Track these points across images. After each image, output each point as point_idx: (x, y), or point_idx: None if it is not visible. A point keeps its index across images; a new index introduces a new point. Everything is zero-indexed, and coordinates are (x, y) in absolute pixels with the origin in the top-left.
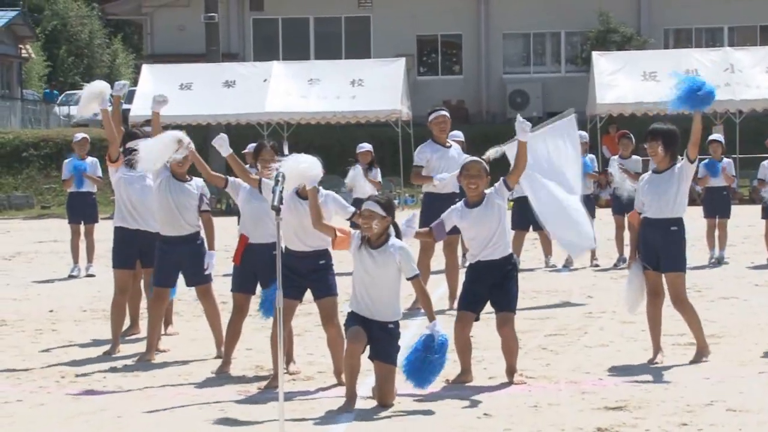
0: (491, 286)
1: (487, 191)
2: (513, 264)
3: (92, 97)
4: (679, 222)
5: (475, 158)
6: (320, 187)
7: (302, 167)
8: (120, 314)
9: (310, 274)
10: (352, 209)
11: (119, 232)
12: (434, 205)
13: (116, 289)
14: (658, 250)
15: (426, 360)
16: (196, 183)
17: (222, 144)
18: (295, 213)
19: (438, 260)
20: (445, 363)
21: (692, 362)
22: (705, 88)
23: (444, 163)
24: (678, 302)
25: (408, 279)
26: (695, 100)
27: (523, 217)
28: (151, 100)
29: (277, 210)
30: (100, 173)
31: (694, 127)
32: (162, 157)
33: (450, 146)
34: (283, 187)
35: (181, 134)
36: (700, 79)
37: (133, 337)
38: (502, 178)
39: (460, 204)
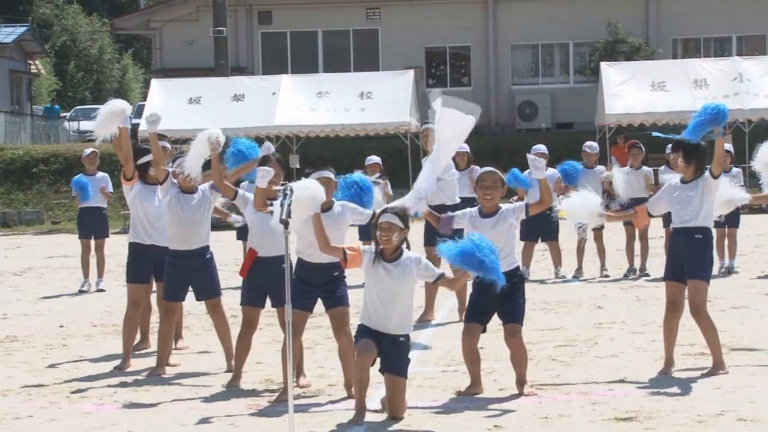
0: (498, 297)
1: (503, 206)
2: (519, 276)
3: (113, 117)
4: (704, 231)
5: (490, 169)
6: (334, 199)
7: (307, 194)
8: (132, 329)
9: (323, 285)
10: (370, 212)
11: (134, 247)
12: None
13: (129, 304)
14: (683, 259)
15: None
16: (201, 189)
17: (265, 175)
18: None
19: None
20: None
21: (707, 375)
22: (715, 107)
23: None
24: (696, 312)
25: (435, 282)
26: (706, 121)
27: (533, 228)
28: (144, 121)
29: (285, 224)
30: (110, 188)
31: (716, 146)
32: (202, 157)
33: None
34: (291, 201)
35: (215, 132)
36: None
37: (143, 351)
38: (525, 203)
39: (474, 210)
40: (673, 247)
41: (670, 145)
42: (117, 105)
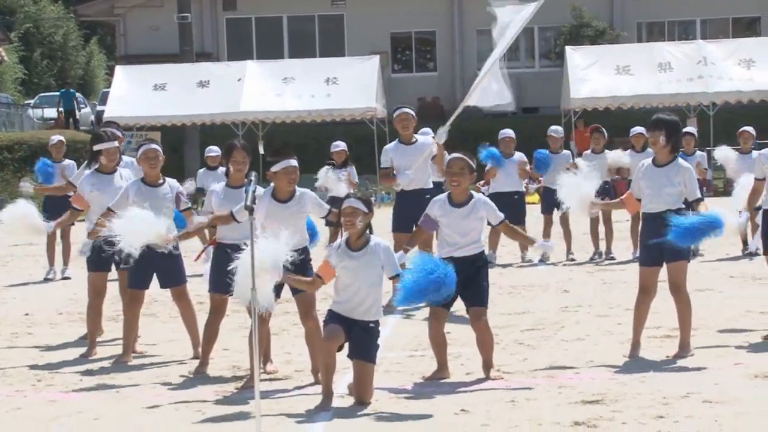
0: (462, 281)
1: (477, 196)
2: (484, 260)
3: (22, 224)
4: (679, 213)
5: (458, 155)
6: (297, 187)
7: (268, 260)
8: (96, 317)
9: (290, 269)
10: (327, 207)
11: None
12: (402, 204)
13: (92, 293)
14: (660, 243)
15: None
16: (170, 184)
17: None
18: (275, 217)
19: None
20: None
21: (675, 357)
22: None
23: (405, 160)
24: (677, 290)
25: (390, 278)
26: (704, 231)
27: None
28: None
29: (250, 210)
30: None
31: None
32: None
33: (415, 142)
34: (255, 188)
35: (163, 233)
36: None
37: (100, 339)
38: (503, 218)
39: (443, 197)
40: (646, 232)
41: (636, 128)
42: (22, 211)
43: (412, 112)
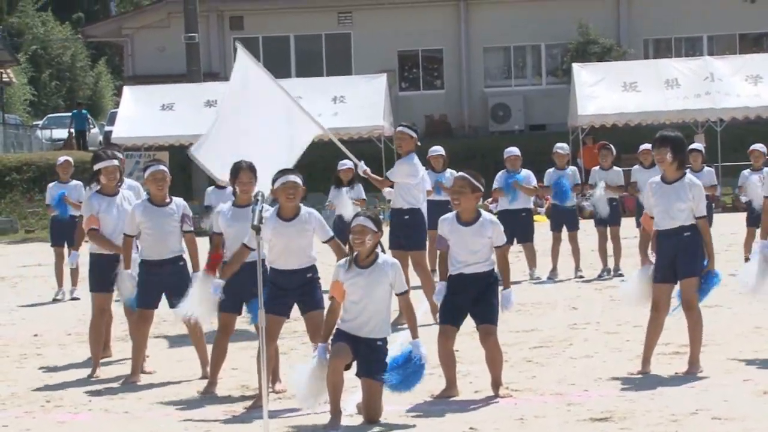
0: (472, 298)
1: (485, 215)
2: (494, 277)
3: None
4: (692, 228)
5: (460, 174)
6: (302, 204)
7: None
8: (98, 336)
9: (298, 288)
10: (331, 234)
11: (95, 257)
12: (390, 222)
13: (95, 312)
14: (674, 259)
15: (406, 372)
16: (177, 203)
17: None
18: (281, 236)
19: (414, 277)
20: (423, 375)
21: (684, 374)
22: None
23: (394, 176)
24: (689, 307)
25: (398, 294)
26: None
27: (508, 230)
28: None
29: (257, 229)
30: (83, 197)
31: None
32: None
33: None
34: (262, 207)
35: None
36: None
37: (105, 360)
38: (504, 244)
39: (451, 215)
40: (662, 249)
41: (644, 145)
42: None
43: (409, 132)
